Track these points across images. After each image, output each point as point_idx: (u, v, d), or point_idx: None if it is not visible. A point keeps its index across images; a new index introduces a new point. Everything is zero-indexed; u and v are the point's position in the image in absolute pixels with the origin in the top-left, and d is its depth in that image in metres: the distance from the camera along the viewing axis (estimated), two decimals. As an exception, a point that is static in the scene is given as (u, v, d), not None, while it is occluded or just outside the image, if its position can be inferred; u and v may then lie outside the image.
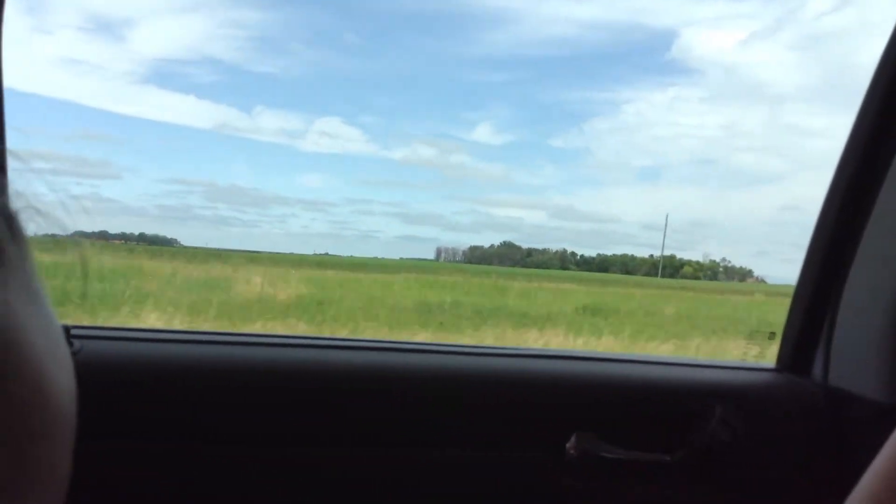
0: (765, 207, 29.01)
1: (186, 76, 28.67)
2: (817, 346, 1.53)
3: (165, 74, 29.67)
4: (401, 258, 25.07)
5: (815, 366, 1.53)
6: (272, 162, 29.61)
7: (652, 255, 28.04)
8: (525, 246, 28.80)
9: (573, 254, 28.37)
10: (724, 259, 27.10)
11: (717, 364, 1.59)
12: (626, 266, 26.89)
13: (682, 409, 1.42)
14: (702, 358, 1.91)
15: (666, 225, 25.12)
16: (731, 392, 1.46)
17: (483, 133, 30.40)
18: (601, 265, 28.25)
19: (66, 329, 1.20)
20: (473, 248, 27.76)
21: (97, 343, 1.24)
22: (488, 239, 31.08)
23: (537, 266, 25.36)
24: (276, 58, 28.95)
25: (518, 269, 23.76)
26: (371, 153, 28.48)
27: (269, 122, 30.63)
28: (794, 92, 25.30)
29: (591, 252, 29.52)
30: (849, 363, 1.46)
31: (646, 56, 27.31)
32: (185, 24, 28.94)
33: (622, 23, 26.68)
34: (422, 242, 30.10)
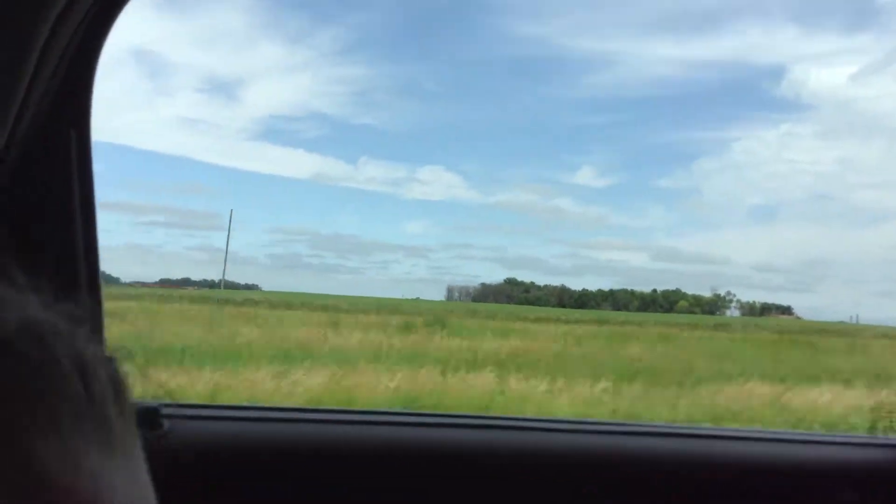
0: (886, 246, 28.07)
1: (295, 132, 30.19)
2: None
3: (276, 130, 30.43)
4: (417, 298, 25.35)
5: None
6: (377, 211, 30.76)
7: (655, 290, 28.23)
8: (541, 283, 28.55)
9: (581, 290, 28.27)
10: (728, 293, 26.64)
11: (842, 440, 1.55)
12: (616, 301, 26.79)
13: (806, 493, 1.36)
14: (825, 433, 1.79)
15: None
16: (859, 472, 1.40)
17: (585, 176, 31.35)
18: (599, 300, 28.06)
19: (156, 409, 1.21)
20: (484, 286, 27.70)
21: (188, 423, 1.23)
22: (590, 283, 30.95)
23: (532, 303, 25.56)
24: (379, 111, 30.03)
25: (510, 307, 23.66)
26: (471, 199, 29.01)
27: (373, 172, 31.15)
28: None
29: (603, 287, 29.16)
30: None
31: (755, 93, 27.80)
32: (293, 83, 30.22)
33: (728, 61, 27.60)
34: (520, 286, 29.34)
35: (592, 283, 30.14)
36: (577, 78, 28.30)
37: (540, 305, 24.63)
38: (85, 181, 1.14)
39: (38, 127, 1.06)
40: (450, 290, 27.38)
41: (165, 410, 1.22)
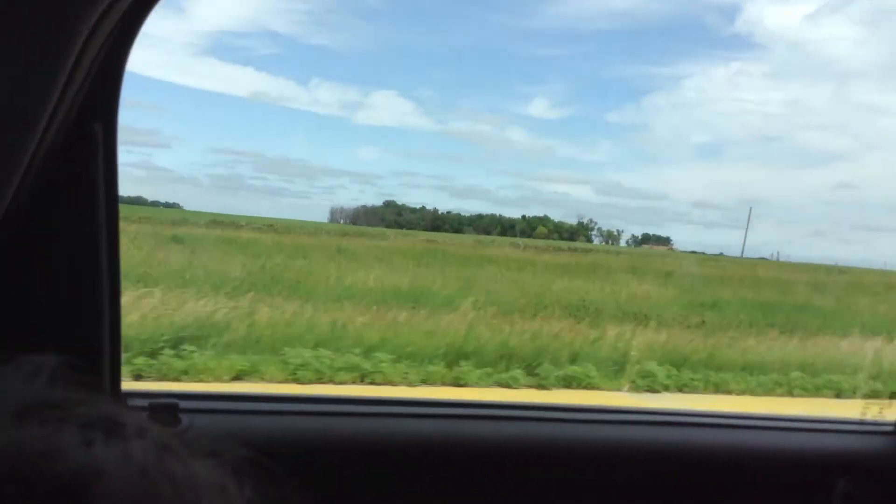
0: (823, 186, 27.78)
1: (245, 49, 26.75)
2: None
3: (225, 47, 26.65)
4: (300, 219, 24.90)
5: None
6: (327, 135, 28.09)
7: (524, 216, 29.07)
8: (422, 207, 28.75)
9: (448, 212, 29.06)
10: (591, 220, 28.00)
11: (832, 426, 1.59)
12: (485, 227, 27.73)
13: (799, 481, 1.41)
14: (814, 417, 1.76)
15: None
16: (850, 461, 1.45)
17: (538, 108, 29.43)
18: (464, 224, 28.90)
19: (174, 405, 1.21)
20: (362, 209, 27.47)
21: (208, 417, 1.22)
22: (534, 213, 30.10)
23: (402, 226, 26.10)
24: (334, 31, 27.38)
25: (373, 229, 23.78)
26: (423, 126, 27.18)
27: (325, 95, 28.04)
28: (864, 68, 23.67)
29: (471, 212, 30.10)
30: None
31: (709, 30, 25.63)
32: None
33: None
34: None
35: (537, 214, 30.93)
36: (537, 7, 27.75)
37: (409, 229, 25.32)
38: (110, 176, 1.15)
39: (69, 122, 1.05)
40: (332, 212, 27.35)
41: (184, 404, 1.22)
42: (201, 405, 1.26)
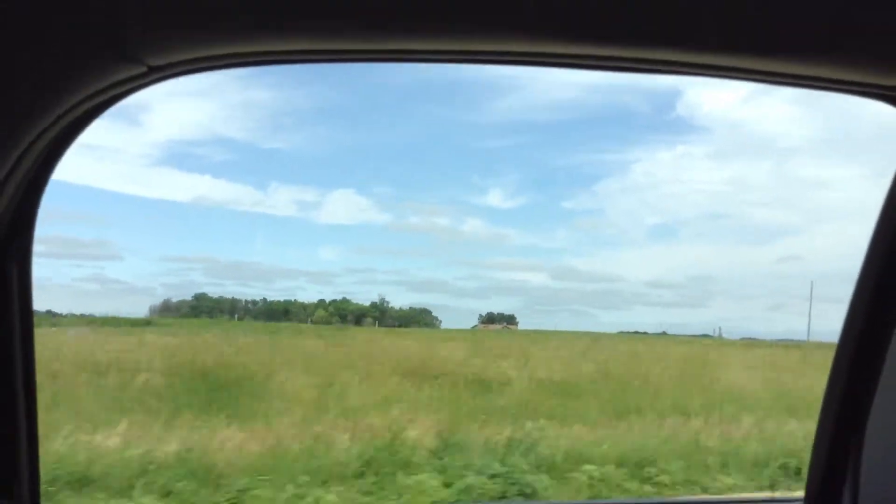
0: (772, 260, 27.58)
1: (200, 157, 26.56)
2: (845, 475, 1.43)
3: (180, 155, 26.54)
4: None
5: (845, 498, 1.44)
6: (286, 236, 28.25)
7: (323, 301, 29.85)
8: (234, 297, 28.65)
9: (249, 301, 29.90)
10: (383, 301, 29.27)
11: (743, 499, 2.28)
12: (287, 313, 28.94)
13: None
14: (727, 495, 1.98)
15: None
16: None
17: (495, 198, 29.38)
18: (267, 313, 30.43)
19: None
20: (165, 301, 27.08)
21: None
22: (496, 304, 30.29)
23: (204, 313, 26.77)
24: (288, 134, 27.06)
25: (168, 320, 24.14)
26: (382, 222, 27.71)
27: (283, 197, 28.54)
28: (801, 144, 24.81)
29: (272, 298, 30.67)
30: (879, 491, 1.36)
31: (651, 116, 26.43)
32: (198, 107, 25.90)
33: (625, 85, 26.23)
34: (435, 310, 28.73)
35: (499, 304, 31.22)
36: (486, 102, 29.21)
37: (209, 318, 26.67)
38: (25, 316, 1.20)
39: None
40: (151, 308, 27.32)
41: None
42: None
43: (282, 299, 31.63)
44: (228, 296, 30.35)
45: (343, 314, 30.80)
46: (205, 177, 29.16)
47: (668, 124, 26.79)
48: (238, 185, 29.68)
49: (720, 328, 23.76)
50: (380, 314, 30.70)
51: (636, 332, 24.16)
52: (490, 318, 28.49)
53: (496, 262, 30.64)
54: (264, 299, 31.55)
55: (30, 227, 1.20)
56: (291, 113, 27.52)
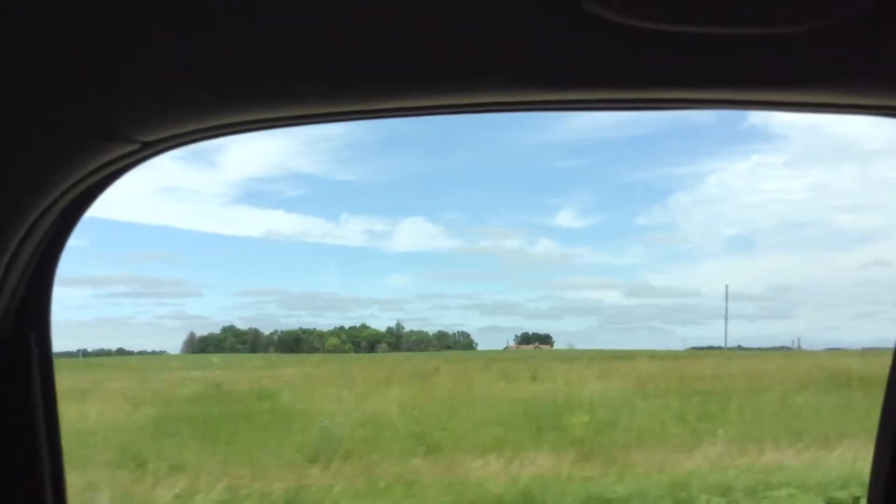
0: (855, 267, 27.84)
1: (274, 193, 29.47)
2: None
3: (255, 193, 29.10)
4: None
5: None
6: (357, 267, 29.31)
7: (341, 327, 30.17)
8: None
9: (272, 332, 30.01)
10: (400, 326, 29.71)
11: None
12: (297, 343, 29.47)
13: None
14: None
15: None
16: None
17: (565, 218, 30.88)
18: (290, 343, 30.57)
19: None
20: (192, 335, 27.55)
21: None
22: (569, 325, 31.66)
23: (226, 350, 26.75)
24: (358, 166, 29.39)
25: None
26: (452, 247, 28.65)
27: (354, 228, 30.28)
28: (886, 147, 24.35)
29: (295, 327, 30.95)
30: None
31: (721, 128, 27.57)
32: (270, 144, 28.39)
33: None
34: (500, 332, 29.79)
35: (572, 325, 31.51)
36: (553, 122, 29.51)
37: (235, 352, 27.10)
38: (47, 381, 1.21)
39: (3, 334, 1.13)
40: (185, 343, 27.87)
41: None
42: None
43: (294, 327, 32.13)
44: (309, 326, 31.20)
45: (356, 341, 30.96)
46: (278, 211, 31.20)
47: (741, 134, 26.96)
48: (310, 218, 31.28)
49: (798, 339, 23.16)
50: (395, 339, 30.57)
51: (710, 347, 23.36)
52: (525, 339, 28.43)
53: (568, 282, 31.85)
54: (275, 331, 31.84)
55: (45, 306, 1.21)
56: (360, 146, 28.78)
